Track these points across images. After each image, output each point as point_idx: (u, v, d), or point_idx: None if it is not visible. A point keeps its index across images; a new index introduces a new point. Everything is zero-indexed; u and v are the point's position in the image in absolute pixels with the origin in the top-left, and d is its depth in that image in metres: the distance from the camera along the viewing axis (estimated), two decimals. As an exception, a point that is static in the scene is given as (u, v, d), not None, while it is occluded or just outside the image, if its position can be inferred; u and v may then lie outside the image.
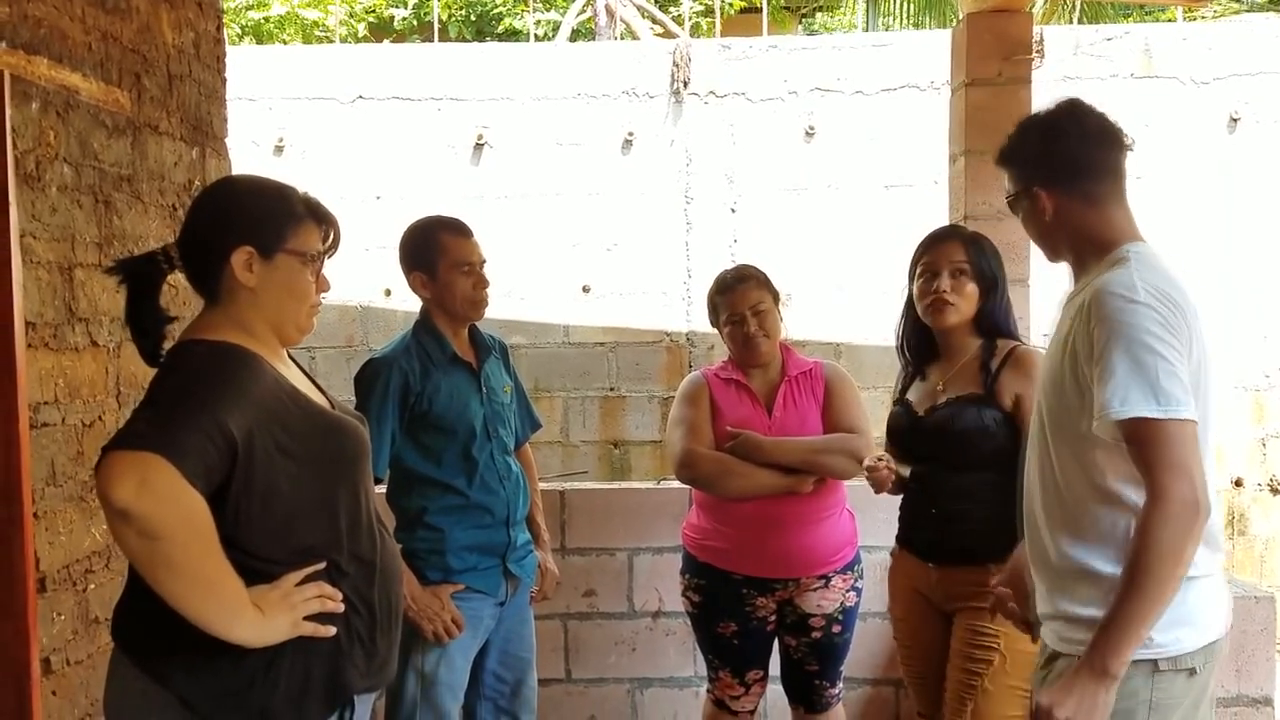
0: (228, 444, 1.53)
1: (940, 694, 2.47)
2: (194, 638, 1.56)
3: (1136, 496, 1.73)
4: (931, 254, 2.49)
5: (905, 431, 2.53)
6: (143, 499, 1.45)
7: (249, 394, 1.60)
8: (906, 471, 2.52)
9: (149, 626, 1.62)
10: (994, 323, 2.47)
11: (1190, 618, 1.76)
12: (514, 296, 6.95)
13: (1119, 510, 1.76)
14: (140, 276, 1.71)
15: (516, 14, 12.22)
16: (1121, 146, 1.87)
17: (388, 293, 6.98)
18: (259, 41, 11.10)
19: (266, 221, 1.69)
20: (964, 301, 2.43)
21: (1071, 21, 9.22)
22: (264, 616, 1.57)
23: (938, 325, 2.48)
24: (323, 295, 1.76)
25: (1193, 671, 1.77)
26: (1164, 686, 1.76)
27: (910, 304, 2.54)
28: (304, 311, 1.73)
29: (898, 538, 2.58)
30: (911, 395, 2.55)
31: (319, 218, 1.75)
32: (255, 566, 1.61)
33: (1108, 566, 1.76)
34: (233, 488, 1.56)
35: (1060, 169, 1.85)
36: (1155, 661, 1.75)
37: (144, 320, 1.71)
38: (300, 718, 1.64)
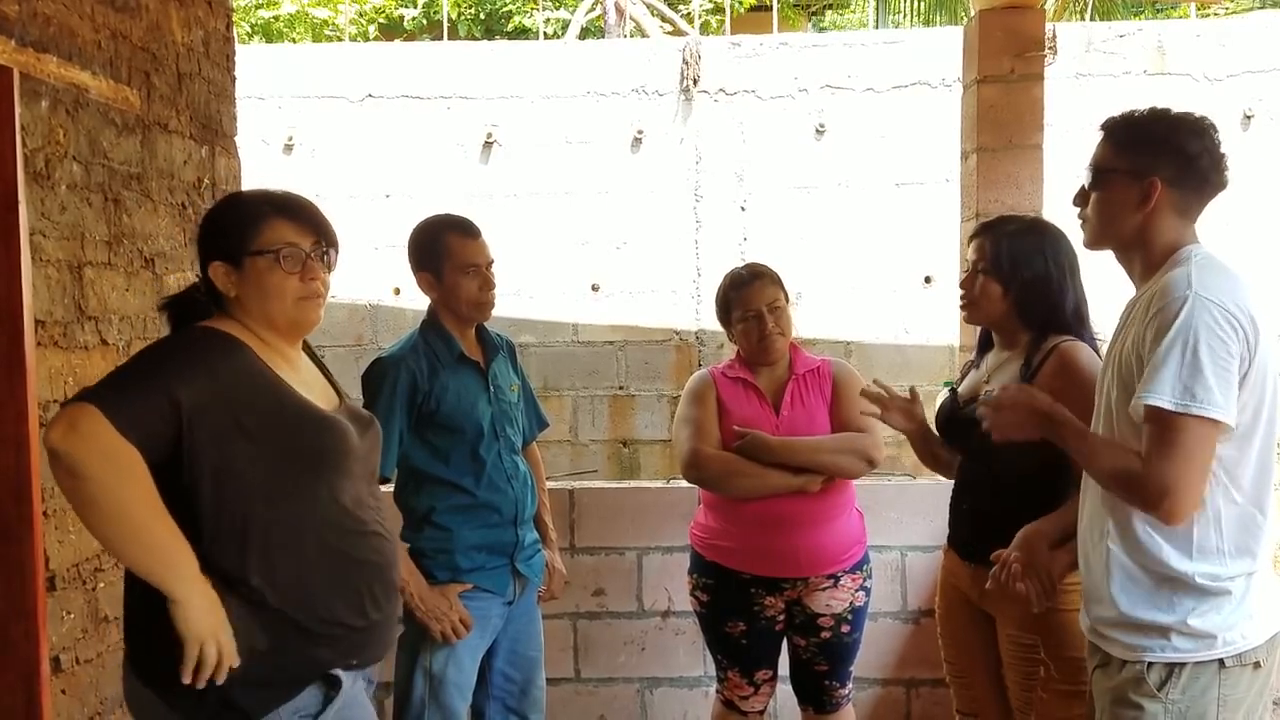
0: (172, 409, 1.60)
1: (981, 693, 2.45)
2: (162, 629, 1.61)
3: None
4: (969, 249, 2.46)
5: (946, 421, 2.49)
6: (67, 439, 1.55)
7: (213, 372, 1.66)
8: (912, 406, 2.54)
9: (137, 625, 1.70)
10: (1040, 316, 2.33)
11: (1252, 612, 1.81)
12: (523, 295, 6.96)
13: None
14: (185, 311, 1.83)
15: (526, 12, 12.23)
16: (1225, 186, 1.90)
17: (397, 291, 7.00)
18: (269, 40, 11.13)
19: (230, 233, 1.77)
20: (983, 299, 2.37)
21: (1084, 18, 9.18)
22: (205, 590, 1.61)
23: (967, 323, 2.49)
24: (320, 288, 1.79)
25: (1258, 665, 1.82)
26: (1231, 682, 1.80)
27: None
28: (289, 305, 1.77)
29: (948, 535, 2.55)
30: (963, 384, 2.51)
31: (291, 213, 1.79)
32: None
33: (1181, 564, 1.80)
34: (184, 455, 1.63)
35: (1189, 176, 1.86)
36: (1222, 660, 1.80)
37: None
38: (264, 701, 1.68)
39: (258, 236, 1.75)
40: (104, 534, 1.62)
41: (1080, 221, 1.97)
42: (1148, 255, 1.88)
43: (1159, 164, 1.84)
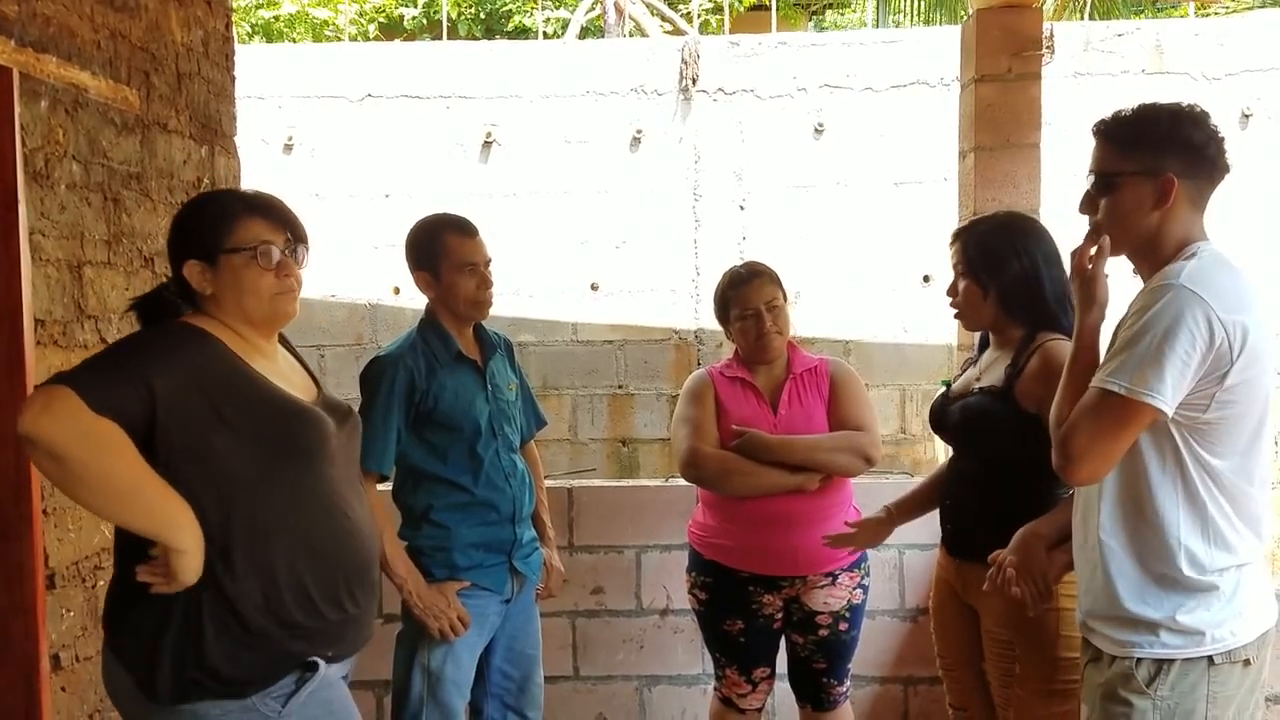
0: (148, 393, 1.62)
1: (970, 687, 2.46)
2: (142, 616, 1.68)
3: (1174, 489, 1.80)
4: (950, 255, 2.45)
5: (936, 417, 2.49)
6: (40, 422, 1.56)
7: (186, 361, 1.69)
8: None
9: (111, 600, 1.74)
10: (1025, 310, 2.32)
11: (1242, 609, 1.81)
12: (522, 294, 6.96)
13: (1162, 503, 1.81)
14: (155, 310, 1.84)
15: (526, 11, 12.23)
16: (1230, 170, 1.89)
17: (396, 290, 7.00)
18: (269, 40, 11.13)
19: (202, 231, 1.80)
20: (968, 304, 2.37)
21: (1082, 17, 9.18)
22: (200, 538, 1.66)
23: (966, 330, 2.50)
24: (293, 283, 1.82)
25: (1247, 662, 1.82)
26: (1221, 680, 1.81)
27: None
28: (266, 301, 1.79)
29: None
30: (957, 382, 2.51)
31: (263, 210, 1.81)
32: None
33: (1170, 560, 1.80)
34: (159, 442, 1.65)
35: (1199, 166, 1.84)
36: (1210, 657, 1.80)
37: None
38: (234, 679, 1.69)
39: (231, 235, 1.77)
40: (97, 506, 1.67)
41: (1092, 229, 1.93)
42: (1159, 252, 1.85)
43: (1169, 160, 1.82)
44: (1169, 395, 1.72)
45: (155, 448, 1.65)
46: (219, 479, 1.69)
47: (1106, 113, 1.92)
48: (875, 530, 2.59)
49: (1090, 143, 1.94)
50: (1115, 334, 1.87)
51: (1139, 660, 1.83)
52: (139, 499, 1.63)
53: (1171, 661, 1.81)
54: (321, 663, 1.76)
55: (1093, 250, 1.92)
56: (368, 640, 1.89)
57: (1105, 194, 1.88)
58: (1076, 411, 1.80)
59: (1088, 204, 1.92)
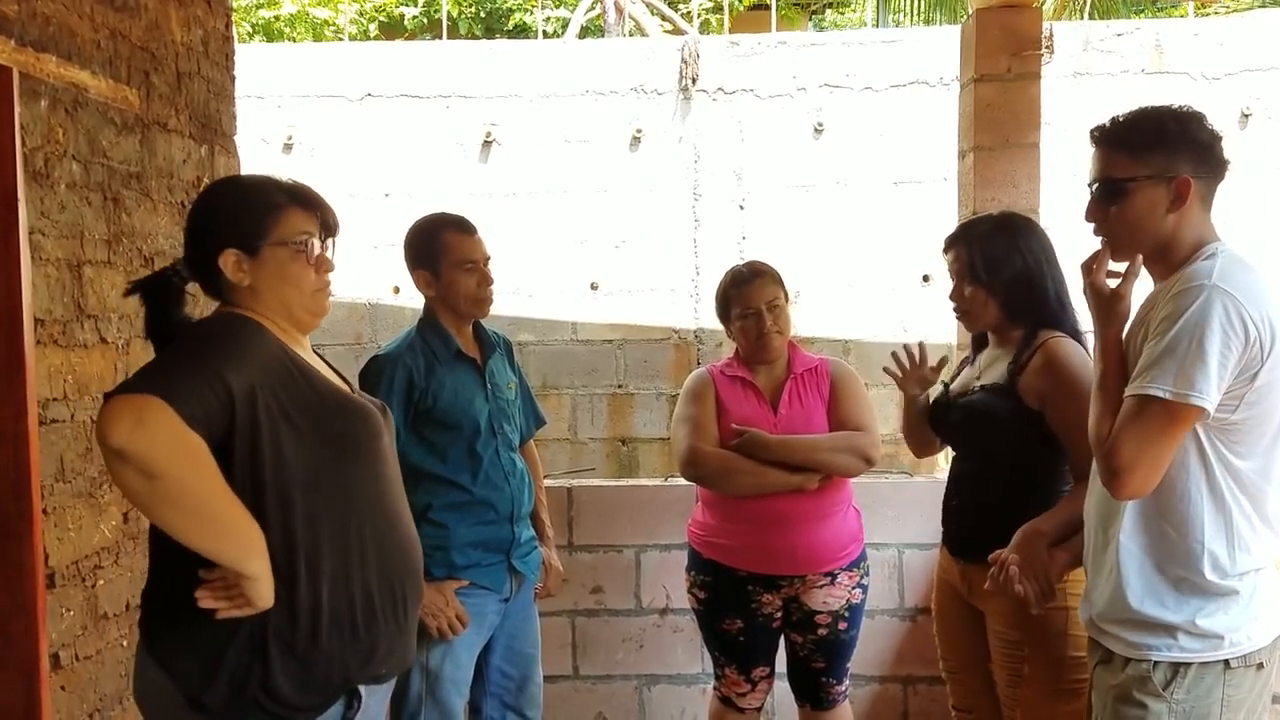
0: (226, 394, 1.56)
1: (975, 689, 2.46)
2: (188, 628, 1.62)
3: (1199, 491, 1.78)
4: (947, 259, 2.44)
5: (937, 416, 2.50)
6: (137, 438, 1.47)
7: (251, 354, 1.63)
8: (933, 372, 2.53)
9: (155, 609, 1.68)
10: (1027, 311, 2.33)
11: (1257, 614, 1.81)
12: (522, 294, 6.97)
13: (1188, 506, 1.80)
14: (157, 293, 1.76)
15: (526, 11, 12.24)
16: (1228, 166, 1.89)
17: (396, 290, 7.01)
18: (269, 40, 11.13)
19: (245, 220, 1.71)
20: (975, 307, 2.36)
21: (1082, 17, 9.19)
22: (268, 563, 1.60)
23: (969, 331, 2.51)
24: (330, 279, 1.78)
25: (1261, 666, 1.82)
26: (1235, 683, 1.81)
27: None
28: (307, 295, 1.74)
29: (942, 531, 2.55)
30: (957, 381, 2.51)
31: (303, 202, 1.75)
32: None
33: (1191, 564, 1.80)
34: (235, 445, 1.59)
35: (1208, 164, 1.84)
36: (1227, 661, 1.80)
37: (164, 333, 1.75)
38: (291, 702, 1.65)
39: (277, 226, 1.70)
40: (178, 526, 1.56)
41: (1102, 238, 1.90)
42: (1175, 254, 1.84)
43: (1181, 161, 1.81)
44: (1213, 395, 1.70)
45: (230, 453, 1.58)
46: (285, 483, 1.62)
47: (1102, 118, 1.91)
48: (926, 378, 2.54)
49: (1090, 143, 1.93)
50: (1136, 340, 1.85)
51: (1155, 663, 1.82)
52: (223, 521, 1.56)
53: (1188, 665, 1.80)
54: (364, 693, 1.72)
55: (1110, 265, 1.89)
56: (413, 656, 1.85)
57: (1115, 200, 1.85)
58: (1120, 421, 1.76)
59: (1095, 211, 1.89)
